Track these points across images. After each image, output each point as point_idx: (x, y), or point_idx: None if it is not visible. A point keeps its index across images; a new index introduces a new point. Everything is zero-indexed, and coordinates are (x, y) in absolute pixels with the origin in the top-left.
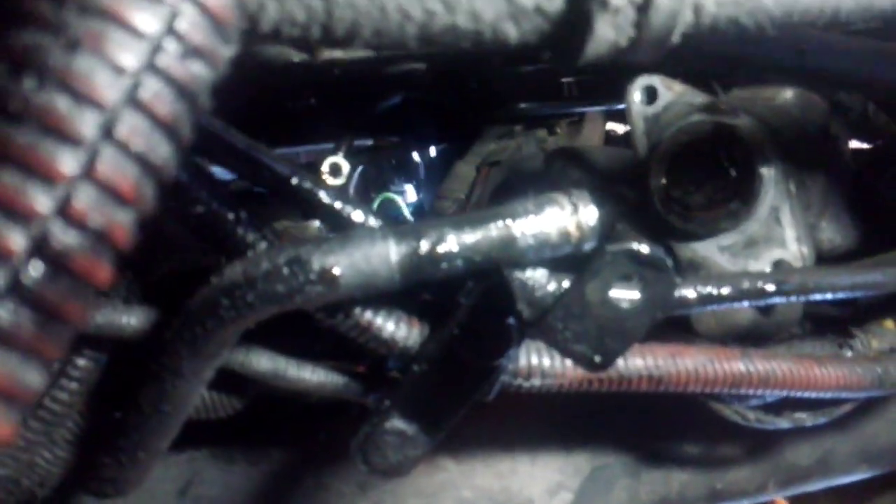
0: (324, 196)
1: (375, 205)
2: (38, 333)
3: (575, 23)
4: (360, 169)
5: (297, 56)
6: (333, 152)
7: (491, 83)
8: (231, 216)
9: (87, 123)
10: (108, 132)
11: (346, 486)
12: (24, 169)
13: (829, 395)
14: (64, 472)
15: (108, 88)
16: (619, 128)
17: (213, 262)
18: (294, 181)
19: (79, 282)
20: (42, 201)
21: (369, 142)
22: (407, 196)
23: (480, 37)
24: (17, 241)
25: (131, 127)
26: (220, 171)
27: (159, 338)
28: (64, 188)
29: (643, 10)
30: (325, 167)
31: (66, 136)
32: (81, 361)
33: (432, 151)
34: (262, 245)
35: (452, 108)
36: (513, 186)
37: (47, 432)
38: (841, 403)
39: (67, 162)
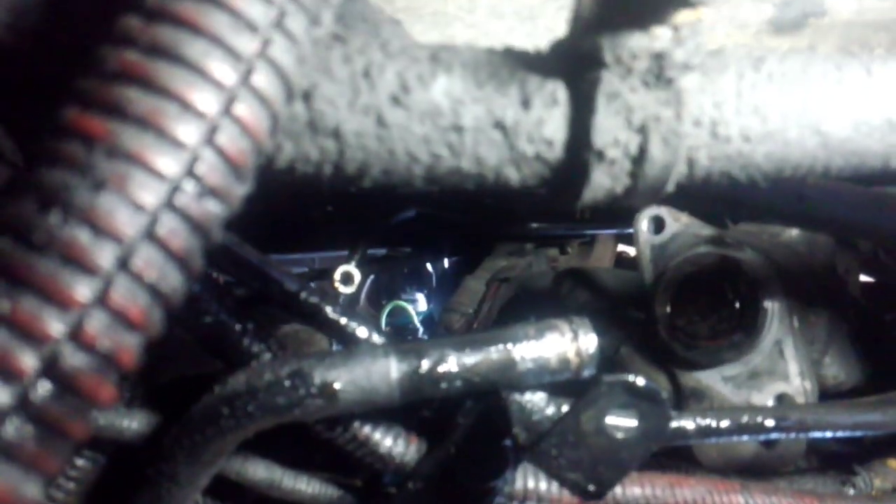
0: (330, 311)
1: (386, 312)
2: (41, 449)
3: (573, 170)
4: (372, 276)
5: None
6: (347, 260)
7: (505, 202)
8: (238, 327)
9: (104, 255)
10: (123, 264)
11: None
12: (41, 295)
13: None
14: None
15: (127, 224)
16: (630, 250)
17: (216, 370)
18: (302, 296)
19: (83, 401)
20: (55, 326)
21: (383, 251)
22: (418, 305)
23: (483, 179)
24: (29, 361)
25: (146, 259)
26: None
27: (158, 442)
28: (77, 314)
29: (638, 162)
30: (336, 275)
31: (83, 267)
32: (80, 461)
33: (445, 263)
34: (267, 356)
35: (465, 223)
36: (522, 304)
37: None
38: None
39: (82, 290)
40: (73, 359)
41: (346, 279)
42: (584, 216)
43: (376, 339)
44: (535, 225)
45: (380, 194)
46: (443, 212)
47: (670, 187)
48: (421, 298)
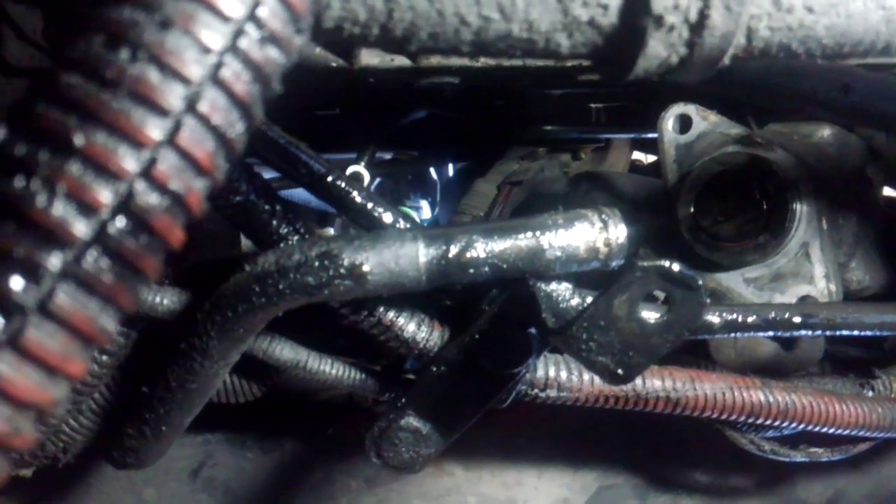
0: (357, 195)
1: None
2: (117, 283)
3: (628, 37)
4: (377, 181)
5: (333, 61)
6: (355, 162)
7: (518, 103)
8: (267, 208)
9: (174, 95)
10: (191, 105)
11: (353, 481)
12: (115, 132)
13: (847, 432)
14: (87, 441)
15: (195, 65)
16: (644, 158)
17: (245, 254)
18: (329, 178)
19: (156, 239)
20: (130, 162)
21: (389, 155)
22: (422, 212)
23: (533, 46)
24: (106, 195)
25: (212, 102)
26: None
27: (190, 318)
28: (150, 153)
29: (697, 29)
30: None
31: (154, 106)
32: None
33: (450, 170)
34: (295, 238)
35: (477, 125)
36: (534, 208)
37: (76, 401)
38: (858, 441)
39: (155, 129)
40: (148, 196)
41: (356, 180)
42: (600, 119)
43: (403, 224)
44: (548, 128)
45: (392, 91)
46: (454, 113)
47: (727, 60)
48: (425, 206)
